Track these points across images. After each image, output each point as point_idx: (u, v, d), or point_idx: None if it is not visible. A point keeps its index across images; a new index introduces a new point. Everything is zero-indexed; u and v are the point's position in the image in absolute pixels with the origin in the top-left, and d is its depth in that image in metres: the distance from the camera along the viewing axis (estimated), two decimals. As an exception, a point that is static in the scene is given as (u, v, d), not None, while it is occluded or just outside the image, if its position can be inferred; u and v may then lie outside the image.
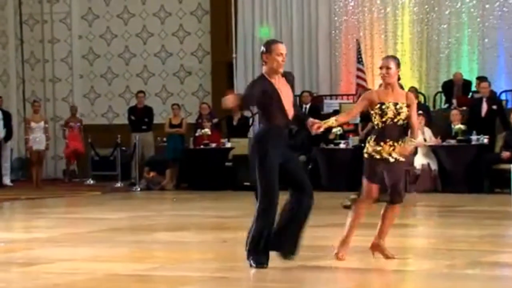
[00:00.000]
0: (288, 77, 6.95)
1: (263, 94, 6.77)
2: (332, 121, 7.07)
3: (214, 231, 10.04)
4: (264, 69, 6.94)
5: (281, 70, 6.89)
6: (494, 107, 15.58)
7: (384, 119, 6.99)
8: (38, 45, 21.12)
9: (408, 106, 7.01)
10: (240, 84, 19.58)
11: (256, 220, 6.87)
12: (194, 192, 15.81)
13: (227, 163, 16.89)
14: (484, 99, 15.60)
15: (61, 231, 9.96)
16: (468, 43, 17.93)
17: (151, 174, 17.26)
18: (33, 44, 21.15)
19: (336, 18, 18.92)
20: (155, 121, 18.57)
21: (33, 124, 18.12)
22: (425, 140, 15.46)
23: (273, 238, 6.80)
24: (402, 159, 6.99)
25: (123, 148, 18.24)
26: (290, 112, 6.88)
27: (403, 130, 7.04)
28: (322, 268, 7.02)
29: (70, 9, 20.93)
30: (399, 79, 7.16)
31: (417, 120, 7.21)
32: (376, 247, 7.12)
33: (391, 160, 6.97)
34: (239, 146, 17.14)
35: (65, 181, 19.32)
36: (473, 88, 17.09)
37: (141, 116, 18.40)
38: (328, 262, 7.32)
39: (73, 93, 20.96)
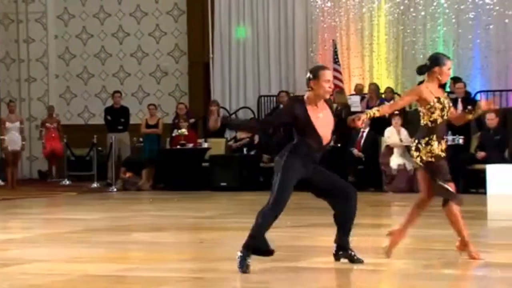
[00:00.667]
0: (328, 102, 6.95)
1: (295, 120, 6.80)
2: (374, 111, 6.97)
3: (191, 231, 10.03)
4: (309, 94, 6.87)
5: (327, 96, 6.90)
6: (469, 107, 15.63)
7: (443, 114, 7.02)
8: (13, 45, 20.98)
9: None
10: (217, 84, 19.58)
11: (258, 219, 6.88)
12: (171, 193, 15.78)
13: (203, 164, 16.87)
14: (460, 100, 15.69)
15: (37, 232, 9.91)
16: (443, 44, 18.04)
17: (128, 174, 17.21)
18: (8, 44, 21.01)
19: (312, 19, 18.96)
20: (131, 121, 18.52)
21: (8, 124, 17.99)
22: (401, 140, 15.53)
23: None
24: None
25: (99, 148, 18.16)
26: (326, 138, 6.88)
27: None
28: (300, 268, 7.03)
29: (46, 8, 20.82)
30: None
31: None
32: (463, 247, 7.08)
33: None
34: (216, 146, 17.13)
35: (48, 181, 19.19)
36: (447, 89, 17.19)
37: (117, 116, 18.34)
38: (307, 262, 7.34)
39: (49, 93, 20.85)
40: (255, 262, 7.37)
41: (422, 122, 7.07)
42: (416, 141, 7.03)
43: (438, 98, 7.05)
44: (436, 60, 7.10)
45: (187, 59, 20.10)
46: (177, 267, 7.26)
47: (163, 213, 12.36)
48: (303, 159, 6.80)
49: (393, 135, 15.52)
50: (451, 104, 7.16)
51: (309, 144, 6.83)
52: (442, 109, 7.01)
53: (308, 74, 6.94)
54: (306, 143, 6.82)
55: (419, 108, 7.15)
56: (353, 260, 6.90)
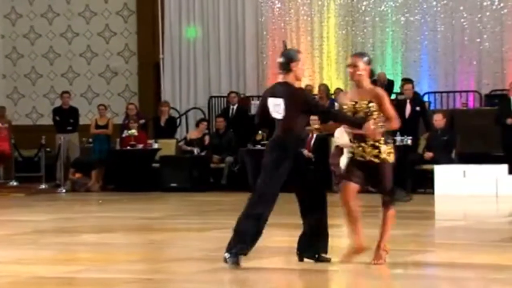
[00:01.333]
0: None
1: None
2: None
3: (141, 232, 9.99)
4: (289, 77, 7.02)
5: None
6: (418, 108, 15.85)
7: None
8: (-41, 44, 20.69)
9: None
10: (167, 85, 19.53)
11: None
12: (121, 194, 15.69)
13: (154, 164, 16.81)
14: (408, 101, 15.86)
15: (-16, 234, 9.77)
16: (392, 45, 18.23)
17: (77, 175, 17.07)
18: (-46, 43, 20.72)
19: (262, 19, 19.02)
20: (80, 122, 18.37)
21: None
22: (351, 141, 15.62)
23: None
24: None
25: (48, 149, 17.98)
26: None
27: None
28: (252, 269, 7.04)
29: (-7, 7, 20.57)
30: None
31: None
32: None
33: None
34: (166, 147, 17.08)
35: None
36: (397, 89, 17.38)
37: (66, 117, 18.17)
38: (259, 262, 7.35)
39: (-4, 93, 20.59)
40: (208, 263, 7.38)
41: None
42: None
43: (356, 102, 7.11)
44: None
45: (137, 59, 20.01)
46: (127, 268, 7.22)
47: (112, 214, 12.29)
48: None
49: (342, 135, 15.60)
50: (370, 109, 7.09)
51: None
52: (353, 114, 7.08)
53: (288, 57, 6.98)
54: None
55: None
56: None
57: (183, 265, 7.33)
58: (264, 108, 7.03)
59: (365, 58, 7.03)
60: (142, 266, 7.46)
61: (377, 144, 6.94)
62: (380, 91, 7.15)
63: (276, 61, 19.44)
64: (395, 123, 7.07)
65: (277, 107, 6.91)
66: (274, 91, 7.03)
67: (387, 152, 6.97)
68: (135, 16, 20.00)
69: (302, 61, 7.11)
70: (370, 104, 6.95)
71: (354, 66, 7.04)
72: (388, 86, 17.41)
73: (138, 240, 9.23)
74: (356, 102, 7.00)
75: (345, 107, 7.02)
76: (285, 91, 6.93)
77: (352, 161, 7.05)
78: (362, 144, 6.97)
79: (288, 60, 6.99)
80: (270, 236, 7.51)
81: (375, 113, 6.93)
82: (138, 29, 19.94)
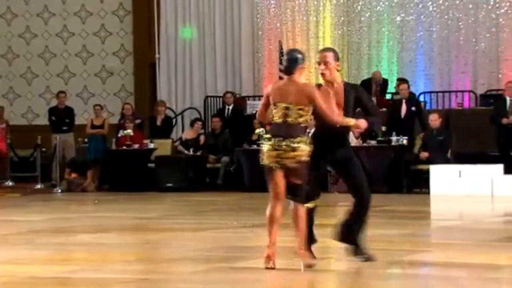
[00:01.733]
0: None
1: None
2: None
3: (136, 232, 9.99)
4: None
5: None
6: (413, 108, 15.86)
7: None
8: (-45, 44, 20.66)
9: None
10: (163, 85, 19.53)
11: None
12: (116, 194, 15.68)
13: (149, 164, 16.80)
14: (404, 101, 15.87)
15: (-21, 234, 9.76)
16: (387, 45, 18.24)
17: (72, 175, 17.06)
18: (-51, 43, 20.68)
19: (258, 19, 19.03)
20: (76, 122, 18.36)
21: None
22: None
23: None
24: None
25: (44, 149, 17.97)
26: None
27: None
28: (244, 269, 7.05)
29: (-12, 7, 20.54)
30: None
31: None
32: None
33: None
34: (162, 147, 17.07)
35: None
36: (392, 89, 17.40)
37: (62, 117, 18.16)
38: (251, 262, 7.35)
39: (-8, 93, 20.57)
40: (203, 263, 7.37)
41: None
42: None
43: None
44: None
45: (133, 59, 20.01)
46: (122, 268, 7.22)
47: (108, 214, 12.28)
48: None
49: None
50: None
51: None
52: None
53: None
54: None
55: None
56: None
57: (178, 265, 7.33)
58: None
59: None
60: (138, 266, 7.45)
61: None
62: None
63: (271, 61, 19.19)
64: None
65: None
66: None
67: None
68: (131, 16, 19.99)
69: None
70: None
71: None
72: (383, 85, 17.45)
73: (134, 240, 9.22)
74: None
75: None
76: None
77: None
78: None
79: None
80: (265, 236, 7.51)
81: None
82: (134, 29, 19.93)
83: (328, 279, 6.70)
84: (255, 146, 16.13)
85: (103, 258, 7.83)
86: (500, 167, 14.36)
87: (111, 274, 6.92)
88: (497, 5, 17.48)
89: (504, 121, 15.06)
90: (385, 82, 17.47)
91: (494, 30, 17.52)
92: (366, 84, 17.64)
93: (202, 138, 17.12)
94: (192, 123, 17.54)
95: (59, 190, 16.78)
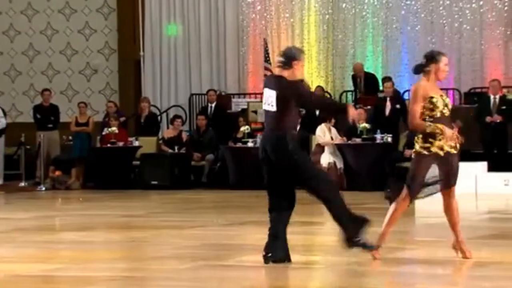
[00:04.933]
0: None
1: None
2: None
3: (121, 230, 9.97)
4: (288, 73, 6.98)
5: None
6: (398, 106, 15.90)
7: (443, 111, 7.06)
8: None
9: None
10: (148, 82, 19.49)
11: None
12: (101, 191, 15.64)
13: (134, 162, 16.77)
14: (388, 99, 15.91)
15: (-37, 232, 9.71)
16: (372, 43, 18.28)
17: (57, 173, 17.00)
18: None
19: (243, 17, 19.02)
20: (61, 120, 18.29)
21: None
22: (332, 138, 15.68)
23: None
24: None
25: (28, 146, 17.89)
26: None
27: None
28: (230, 267, 7.05)
29: (-28, 4, 20.43)
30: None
31: None
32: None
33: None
34: (147, 144, 17.04)
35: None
36: (380, 88, 17.45)
37: (47, 115, 18.09)
38: (236, 260, 7.36)
39: (-25, 90, 20.46)
40: (188, 260, 7.37)
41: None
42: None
43: (441, 96, 7.13)
44: (432, 58, 7.12)
45: (118, 56, 19.95)
46: (107, 266, 7.20)
47: (93, 212, 12.26)
48: None
49: (324, 133, 15.67)
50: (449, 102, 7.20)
51: None
52: (444, 106, 7.08)
53: (291, 54, 6.96)
54: None
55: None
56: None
57: (163, 263, 7.33)
58: None
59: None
60: (123, 264, 7.44)
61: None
62: None
63: (257, 59, 19.24)
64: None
65: (270, 99, 6.91)
66: (269, 83, 7.03)
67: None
68: (116, 14, 19.93)
69: (303, 62, 7.05)
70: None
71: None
72: (371, 80, 17.39)
73: (119, 238, 9.20)
74: (442, 95, 7.10)
75: (434, 100, 7.00)
76: (279, 83, 6.92)
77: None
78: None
79: (290, 58, 6.96)
80: (249, 233, 7.52)
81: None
82: (119, 27, 19.87)
83: (314, 276, 6.71)
84: (240, 144, 16.14)
85: (88, 256, 7.81)
86: (484, 164, 14.42)
87: (96, 272, 6.91)
88: (481, 3, 17.55)
89: (488, 119, 15.13)
90: (373, 78, 17.45)
91: (478, 28, 17.59)
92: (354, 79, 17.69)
93: (184, 135, 17.10)
94: (172, 121, 17.50)
95: (44, 188, 16.72)
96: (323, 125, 15.61)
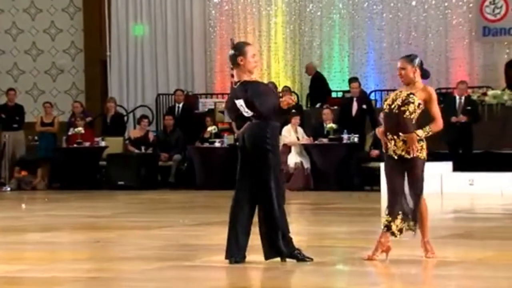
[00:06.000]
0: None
1: None
2: (427, 131, 7.06)
3: (87, 231, 9.91)
4: (237, 71, 6.99)
5: (254, 72, 7.06)
6: (364, 106, 15.99)
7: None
8: None
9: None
10: (114, 83, 19.40)
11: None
12: (67, 192, 15.55)
13: (101, 162, 16.69)
14: (355, 99, 15.99)
15: None
16: (339, 43, 18.35)
17: (22, 173, 16.88)
18: None
19: (210, 17, 19.01)
20: (26, 120, 18.15)
21: None
22: (298, 139, 15.72)
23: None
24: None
25: (-8, 147, 17.73)
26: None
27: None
28: (194, 267, 7.05)
29: None
30: None
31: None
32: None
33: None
34: (113, 144, 16.97)
35: None
36: (342, 87, 17.53)
37: (11, 115, 17.94)
38: (201, 260, 7.35)
39: None
40: (154, 261, 7.35)
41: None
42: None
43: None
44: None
45: (84, 56, 19.84)
46: (72, 267, 7.16)
47: (58, 213, 12.18)
48: None
49: (290, 133, 15.71)
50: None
51: None
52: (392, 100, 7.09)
53: (233, 52, 6.95)
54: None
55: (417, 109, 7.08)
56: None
57: (129, 264, 7.30)
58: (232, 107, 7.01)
59: (417, 60, 7.07)
60: (88, 265, 7.40)
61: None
62: (431, 90, 7.15)
63: (224, 59, 19.25)
64: (440, 124, 7.13)
65: (242, 108, 6.92)
66: (235, 92, 7.04)
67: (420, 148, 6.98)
68: (82, 13, 19.81)
69: (251, 53, 6.96)
70: (411, 96, 6.95)
71: (402, 68, 7.03)
72: (318, 81, 17.39)
73: (84, 238, 9.15)
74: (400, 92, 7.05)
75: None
76: (241, 91, 6.94)
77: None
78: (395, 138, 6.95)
79: (235, 55, 6.97)
80: (216, 234, 7.52)
81: (418, 111, 6.95)
82: (85, 26, 19.76)
83: (274, 276, 6.72)
84: (207, 144, 16.13)
85: (53, 257, 7.76)
86: (449, 164, 14.54)
87: (61, 273, 6.87)
88: (446, 4, 17.69)
89: (453, 119, 15.25)
90: (321, 77, 17.43)
91: (443, 29, 17.73)
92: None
93: (151, 135, 17.05)
94: (138, 121, 17.45)
95: (9, 189, 16.59)
96: (289, 125, 15.65)
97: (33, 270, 7.01)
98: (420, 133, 7.03)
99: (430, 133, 7.07)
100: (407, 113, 6.98)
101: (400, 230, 6.96)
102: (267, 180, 6.79)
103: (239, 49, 6.99)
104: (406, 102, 7.00)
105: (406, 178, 7.03)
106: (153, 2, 19.27)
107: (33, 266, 7.21)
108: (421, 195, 7.02)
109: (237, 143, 6.99)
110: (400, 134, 6.98)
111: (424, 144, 7.07)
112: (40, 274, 6.84)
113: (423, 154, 7.05)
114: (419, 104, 7.05)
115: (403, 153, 7.01)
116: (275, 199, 6.80)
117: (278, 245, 6.81)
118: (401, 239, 7.13)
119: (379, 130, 7.20)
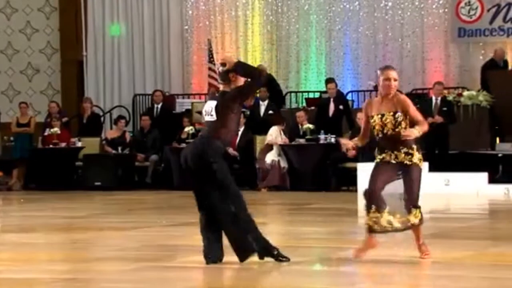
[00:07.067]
0: None
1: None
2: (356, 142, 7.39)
3: (63, 232, 9.87)
4: (224, 87, 7.01)
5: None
6: (341, 107, 16.03)
7: (383, 130, 7.12)
8: None
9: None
10: (91, 83, 19.33)
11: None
12: (43, 193, 15.47)
13: (77, 163, 16.63)
14: (332, 99, 16.03)
15: None
16: (316, 45, 18.40)
17: (-3, 174, 16.80)
18: None
19: (187, 17, 18.99)
20: (1, 120, 18.05)
21: None
22: (281, 139, 15.77)
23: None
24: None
25: (-33, 147, 17.62)
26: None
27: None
28: (172, 268, 7.04)
29: None
30: None
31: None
32: None
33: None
34: (90, 145, 16.90)
35: None
36: (319, 87, 17.57)
37: (-14, 115, 17.84)
38: (179, 261, 7.34)
39: None
40: (131, 262, 7.34)
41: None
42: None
43: (377, 114, 7.13)
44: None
45: (60, 56, 19.76)
46: (48, 268, 7.13)
47: (34, 214, 12.12)
48: None
49: (276, 134, 15.81)
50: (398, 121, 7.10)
51: None
52: (381, 126, 7.12)
53: (223, 68, 6.95)
54: None
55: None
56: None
57: (106, 265, 7.28)
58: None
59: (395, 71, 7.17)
60: (65, 266, 7.37)
61: (410, 151, 7.05)
62: (402, 96, 7.21)
63: (201, 59, 19.19)
64: (425, 126, 7.18)
65: (209, 109, 6.92)
66: (213, 96, 7.07)
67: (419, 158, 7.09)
68: (58, 13, 19.73)
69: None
70: (396, 115, 7.03)
71: (393, 79, 7.09)
72: (272, 81, 17.35)
73: (61, 239, 9.11)
74: (383, 115, 7.07)
75: (372, 120, 7.06)
76: (220, 96, 6.94)
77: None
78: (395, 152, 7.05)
79: (227, 71, 6.95)
80: (193, 234, 7.52)
81: (403, 122, 7.04)
82: (61, 26, 19.68)
83: (251, 277, 6.72)
84: (184, 145, 16.09)
85: (29, 258, 7.72)
86: (425, 165, 14.60)
87: (37, 274, 6.84)
88: (422, 5, 17.79)
89: (429, 120, 15.33)
90: (273, 79, 17.38)
91: (419, 30, 17.82)
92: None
93: (127, 135, 17.01)
94: (115, 121, 17.40)
95: (-16, 189, 16.49)
96: (276, 127, 15.79)
97: (9, 271, 6.97)
98: (416, 133, 7.19)
99: (421, 132, 7.16)
100: (402, 130, 7.08)
101: (390, 222, 7.13)
102: (219, 188, 6.81)
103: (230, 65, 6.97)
104: (397, 124, 7.08)
105: (402, 183, 7.31)
106: (130, 2, 19.23)
107: (9, 267, 7.17)
108: (417, 199, 7.18)
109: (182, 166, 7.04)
110: (401, 147, 7.13)
111: (420, 156, 7.28)
112: (16, 275, 6.81)
113: (421, 164, 7.38)
114: (405, 116, 7.14)
115: (405, 161, 7.21)
116: (232, 205, 6.83)
117: (247, 242, 6.80)
118: (378, 239, 7.16)
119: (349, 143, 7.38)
